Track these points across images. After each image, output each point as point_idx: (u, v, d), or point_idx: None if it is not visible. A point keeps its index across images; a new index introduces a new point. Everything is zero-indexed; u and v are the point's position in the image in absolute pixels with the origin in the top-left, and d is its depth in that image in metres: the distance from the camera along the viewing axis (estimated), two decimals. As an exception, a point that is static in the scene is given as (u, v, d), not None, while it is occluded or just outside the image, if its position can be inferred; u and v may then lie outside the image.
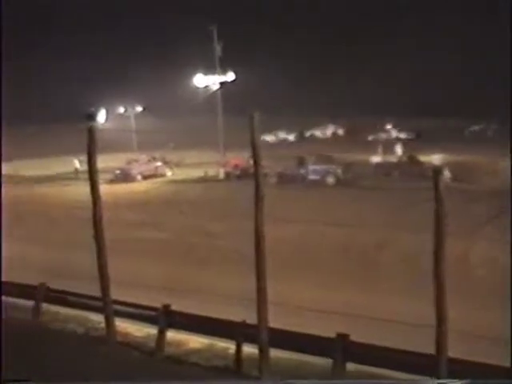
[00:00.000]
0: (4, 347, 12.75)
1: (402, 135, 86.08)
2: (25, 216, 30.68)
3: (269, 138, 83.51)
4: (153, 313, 14.23)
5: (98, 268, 14.20)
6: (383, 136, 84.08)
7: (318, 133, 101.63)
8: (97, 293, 14.50)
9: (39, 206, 29.14)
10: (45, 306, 16.54)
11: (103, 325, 14.61)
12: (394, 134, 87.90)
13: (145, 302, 14.63)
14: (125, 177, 54.55)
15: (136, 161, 59.77)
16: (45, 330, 15.47)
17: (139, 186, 50.84)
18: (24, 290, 16.91)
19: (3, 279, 17.09)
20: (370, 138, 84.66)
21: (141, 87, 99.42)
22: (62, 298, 16.26)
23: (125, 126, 77.49)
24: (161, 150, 64.73)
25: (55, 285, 16.53)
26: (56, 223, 28.80)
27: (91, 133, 14.07)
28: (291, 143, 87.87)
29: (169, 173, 58.77)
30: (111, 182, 49.06)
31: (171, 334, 14.18)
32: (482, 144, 58.96)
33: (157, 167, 59.01)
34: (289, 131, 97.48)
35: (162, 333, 13.95)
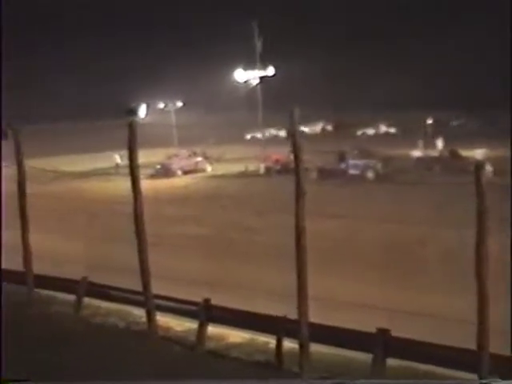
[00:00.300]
0: (50, 340, 12.95)
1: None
2: (65, 211, 30.95)
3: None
4: (193, 307, 14.28)
5: (139, 263, 14.30)
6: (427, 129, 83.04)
7: (306, 129, 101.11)
8: (138, 287, 14.60)
9: (80, 202, 29.31)
10: (86, 300, 16.67)
11: (144, 319, 14.71)
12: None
13: (185, 297, 14.69)
14: (165, 172, 54.91)
15: (176, 156, 60.07)
16: (86, 324, 15.60)
17: (179, 181, 51.12)
18: (66, 285, 17.07)
19: (46, 274, 17.28)
20: (359, 132, 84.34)
21: (181, 82, 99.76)
22: (103, 292, 16.39)
23: (165, 121, 77.89)
24: (201, 145, 64.88)
25: (97, 279, 16.66)
26: (97, 218, 29.03)
27: (132, 128, 14.15)
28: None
29: (209, 168, 58.99)
30: (152, 177, 49.37)
31: (212, 329, 14.23)
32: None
33: (197, 162, 59.27)
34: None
35: (202, 327, 14.00)
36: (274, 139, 75.99)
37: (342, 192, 37.51)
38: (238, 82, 63.09)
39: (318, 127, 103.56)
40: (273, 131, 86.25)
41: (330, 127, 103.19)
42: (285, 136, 68.49)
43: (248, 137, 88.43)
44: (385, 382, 7.19)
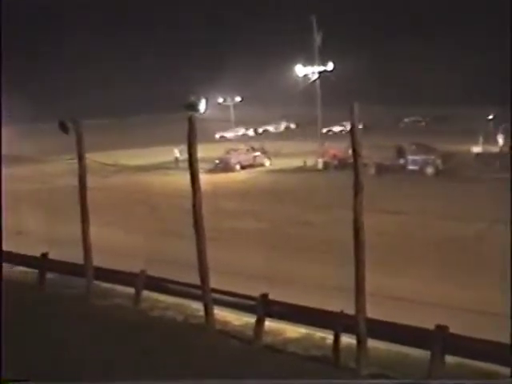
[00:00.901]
0: (108, 333, 13.07)
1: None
2: (125, 204, 31.28)
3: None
4: (251, 302, 14.27)
5: (197, 256, 14.35)
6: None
7: (271, 128, 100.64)
8: (196, 281, 14.65)
9: (139, 195, 29.62)
10: (145, 293, 16.78)
11: (202, 313, 14.76)
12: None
13: (243, 291, 14.69)
14: (224, 166, 55.07)
15: (235, 150, 60.19)
16: (145, 317, 15.71)
17: (238, 176, 51.24)
18: (125, 278, 17.21)
19: (105, 267, 17.44)
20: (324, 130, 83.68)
21: (240, 77, 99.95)
22: (161, 285, 16.47)
23: (224, 116, 78.10)
24: (260, 139, 64.90)
25: (155, 273, 16.77)
26: (156, 212, 29.24)
27: (191, 122, 14.20)
28: (251, 138, 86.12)
29: (267, 162, 58.98)
30: (210, 171, 49.56)
31: (269, 323, 14.21)
32: None
33: (255, 157, 59.31)
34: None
35: (259, 322, 13.99)
36: (333, 134, 75.84)
37: (400, 188, 37.15)
38: (297, 77, 62.96)
39: (282, 126, 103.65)
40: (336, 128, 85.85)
41: (292, 125, 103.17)
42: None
43: (306, 131, 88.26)
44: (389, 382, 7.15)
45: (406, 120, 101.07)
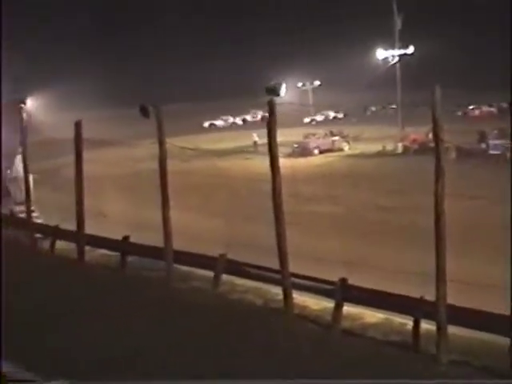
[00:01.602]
0: (187, 315, 13.15)
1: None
2: (205, 188, 31.48)
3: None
4: (329, 286, 14.21)
5: (276, 241, 14.34)
6: None
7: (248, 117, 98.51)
8: (275, 265, 14.66)
9: (219, 179, 29.73)
10: (224, 277, 16.86)
11: (281, 297, 14.77)
12: None
13: (322, 276, 14.63)
14: (302, 151, 54.96)
15: (313, 135, 60.04)
16: (224, 300, 15.79)
17: (316, 160, 51.10)
18: (204, 261, 17.31)
19: (185, 250, 17.57)
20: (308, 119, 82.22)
21: (319, 61, 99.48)
22: (241, 269, 16.53)
23: (303, 100, 77.89)
24: (340, 124, 64.55)
25: (235, 256, 16.83)
26: (236, 196, 29.37)
27: (271, 106, 14.17)
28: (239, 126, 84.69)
29: (346, 147, 58.65)
30: (289, 155, 49.51)
31: (347, 308, 14.14)
32: None
33: (334, 141, 59.04)
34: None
35: (338, 306, 13.93)
36: (414, 118, 74.83)
37: (481, 172, 36.48)
38: (377, 61, 62.38)
39: (259, 115, 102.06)
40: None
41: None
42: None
43: (386, 116, 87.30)
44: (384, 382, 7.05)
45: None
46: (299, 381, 7.25)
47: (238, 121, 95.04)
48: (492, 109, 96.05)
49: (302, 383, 6.78)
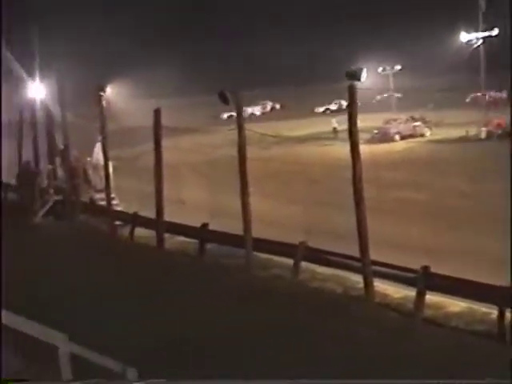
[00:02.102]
0: (266, 302, 13.24)
1: None
2: (284, 175, 31.52)
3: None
4: (411, 274, 14.14)
5: (356, 228, 14.33)
6: None
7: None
8: (355, 253, 14.65)
9: (298, 166, 29.78)
10: (303, 264, 16.90)
11: (361, 285, 14.76)
12: None
13: (403, 264, 14.55)
14: (383, 136, 54.45)
15: (394, 120, 59.46)
16: (304, 288, 15.84)
17: (396, 146, 50.61)
18: (284, 249, 17.37)
19: (264, 237, 17.66)
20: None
21: (399, 45, 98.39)
22: (320, 257, 16.54)
23: (383, 85, 77.14)
24: (420, 109, 63.75)
25: (315, 244, 16.85)
26: (315, 182, 29.34)
27: (352, 92, 14.14)
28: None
29: (428, 133, 57.85)
30: (369, 141, 49.14)
31: (429, 297, 14.04)
32: None
33: (415, 127, 58.33)
34: None
35: (420, 295, 13.84)
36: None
37: None
38: (459, 44, 61.32)
39: (268, 106, 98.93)
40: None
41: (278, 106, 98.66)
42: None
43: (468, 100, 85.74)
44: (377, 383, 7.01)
45: None
46: (299, 381, 7.30)
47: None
48: None
49: (302, 383, 6.81)
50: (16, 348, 9.21)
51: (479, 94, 61.36)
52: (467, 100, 74.79)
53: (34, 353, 8.84)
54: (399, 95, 75.90)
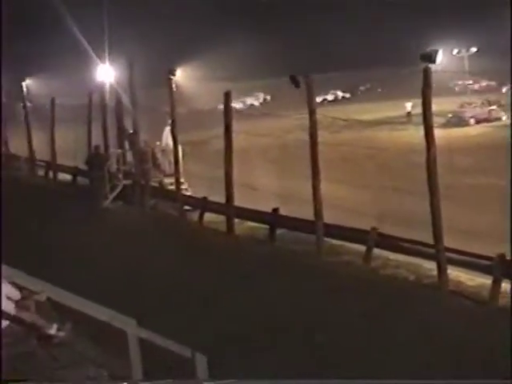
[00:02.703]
0: (337, 289, 13.21)
1: None
2: (355, 160, 31.34)
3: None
4: (487, 262, 13.95)
5: (430, 214, 14.18)
6: None
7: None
8: (429, 240, 14.50)
9: (370, 151, 29.52)
10: (376, 251, 16.81)
11: (435, 272, 14.62)
12: None
13: (479, 251, 14.36)
14: (457, 121, 53.75)
15: (469, 104, 58.63)
16: (376, 275, 15.77)
17: (472, 131, 49.90)
18: (355, 235, 17.31)
19: (335, 223, 17.60)
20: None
21: (477, 26, 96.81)
22: (393, 243, 16.44)
23: (458, 68, 76.02)
24: (496, 92, 62.66)
25: (386, 230, 16.75)
26: (387, 168, 29.11)
27: (426, 74, 13.97)
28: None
29: (504, 117, 56.90)
30: (443, 126, 48.51)
31: (505, 285, 13.83)
32: None
33: (490, 111, 57.42)
34: None
35: (496, 283, 13.65)
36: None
37: None
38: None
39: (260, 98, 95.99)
40: None
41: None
42: None
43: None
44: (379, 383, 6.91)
45: None
46: (299, 381, 7.31)
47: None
48: None
49: (302, 383, 6.80)
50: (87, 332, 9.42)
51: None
52: (547, 82, 73.05)
53: (103, 337, 9.03)
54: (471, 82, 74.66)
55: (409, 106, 54.18)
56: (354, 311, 12.25)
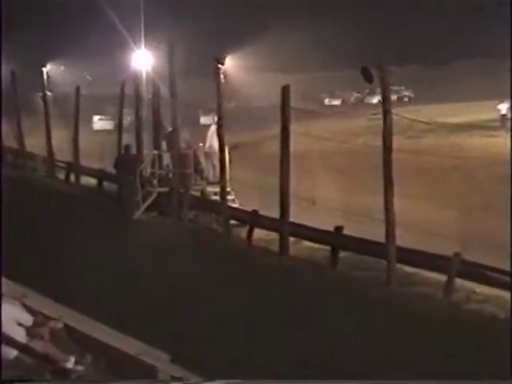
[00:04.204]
0: (412, 327, 13.10)
1: None
2: (436, 171, 31.11)
3: None
4: None
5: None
6: None
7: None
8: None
9: (454, 160, 29.33)
10: (458, 281, 16.65)
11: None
12: None
13: None
14: None
15: None
16: (456, 310, 15.61)
17: None
18: (434, 261, 17.16)
19: (409, 247, 17.48)
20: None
21: None
22: (480, 273, 16.26)
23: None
24: None
25: (472, 258, 16.59)
26: (475, 181, 28.85)
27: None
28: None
29: None
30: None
31: None
32: None
33: None
34: None
35: None
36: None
37: None
38: None
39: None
40: None
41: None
42: None
43: None
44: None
45: None
46: (300, 381, 7.24)
47: None
48: None
49: (304, 383, 6.76)
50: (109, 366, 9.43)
51: None
52: None
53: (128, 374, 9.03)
54: None
55: (504, 108, 53.61)
56: (432, 352, 12.12)
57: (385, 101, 17.11)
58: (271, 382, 7.46)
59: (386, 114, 16.94)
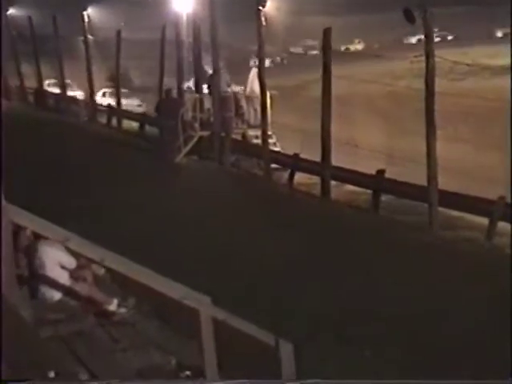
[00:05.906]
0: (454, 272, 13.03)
1: None
2: (478, 115, 30.83)
3: None
4: None
5: None
6: None
7: None
8: None
9: (499, 103, 28.93)
10: (501, 225, 16.53)
11: None
12: None
13: None
14: None
15: None
16: (499, 254, 15.49)
17: None
18: (477, 205, 17.06)
19: (452, 190, 17.37)
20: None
21: None
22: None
23: None
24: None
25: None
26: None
27: None
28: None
29: None
30: None
31: None
32: None
33: None
34: None
35: None
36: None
37: None
38: None
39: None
40: None
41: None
42: None
43: None
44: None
45: None
46: (299, 381, 7.24)
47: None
48: None
49: (307, 383, 6.76)
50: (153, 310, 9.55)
51: None
52: None
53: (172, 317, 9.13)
54: None
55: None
56: (477, 298, 12.03)
57: (428, 43, 16.89)
58: (273, 382, 7.51)
59: (429, 55, 16.74)
